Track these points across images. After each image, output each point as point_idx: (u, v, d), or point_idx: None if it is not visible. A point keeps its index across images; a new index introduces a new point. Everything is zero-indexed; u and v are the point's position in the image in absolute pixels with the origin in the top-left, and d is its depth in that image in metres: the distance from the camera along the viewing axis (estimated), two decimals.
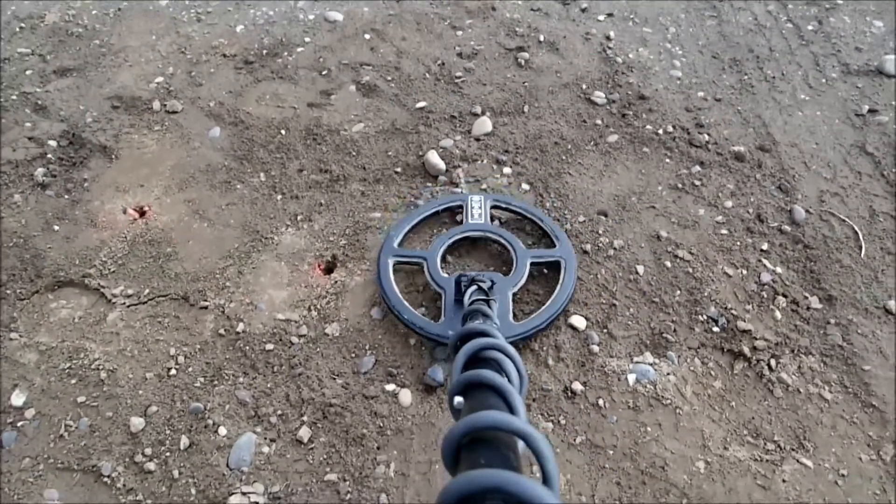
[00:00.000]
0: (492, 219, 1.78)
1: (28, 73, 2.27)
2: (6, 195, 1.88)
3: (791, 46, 2.36)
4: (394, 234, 1.72)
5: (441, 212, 1.82)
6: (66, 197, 1.88)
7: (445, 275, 1.64)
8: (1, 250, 1.75)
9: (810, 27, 2.44)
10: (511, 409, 0.68)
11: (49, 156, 1.98)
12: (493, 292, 1.47)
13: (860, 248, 1.74)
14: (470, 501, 0.49)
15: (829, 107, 2.14)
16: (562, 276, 1.64)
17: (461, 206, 1.80)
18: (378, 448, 1.40)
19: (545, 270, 1.69)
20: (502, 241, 1.72)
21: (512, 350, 0.82)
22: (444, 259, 1.70)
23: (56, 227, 1.81)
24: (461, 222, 1.78)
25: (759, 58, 2.32)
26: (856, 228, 1.78)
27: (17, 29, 2.45)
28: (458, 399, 0.71)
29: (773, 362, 1.52)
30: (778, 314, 1.61)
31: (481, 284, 1.45)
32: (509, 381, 0.76)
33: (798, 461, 1.38)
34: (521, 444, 0.60)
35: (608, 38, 2.41)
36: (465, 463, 0.57)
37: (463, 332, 0.92)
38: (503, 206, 1.81)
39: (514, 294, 1.61)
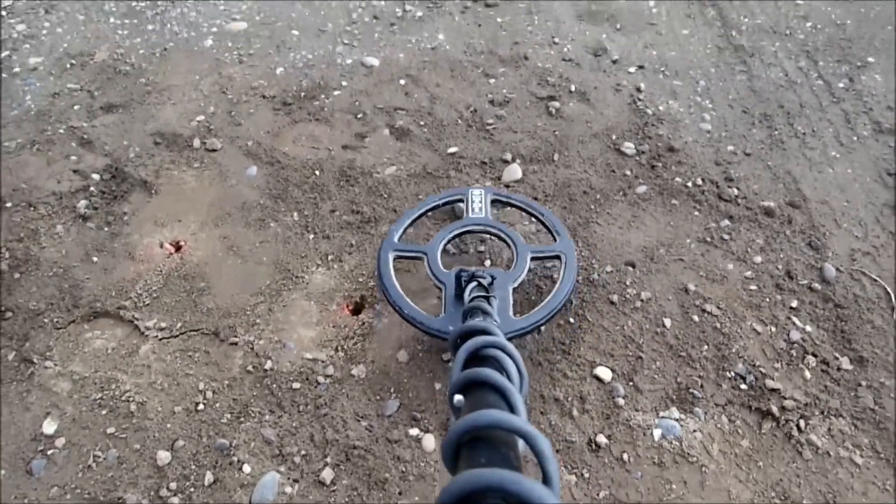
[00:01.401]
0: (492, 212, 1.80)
1: (76, 108, 2.36)
2: (49, 225, 1.94)
3: (822, 103, 2.38)
4: (394, 229, 1.73)
5: (442, 206, 1.83)
6: (107, 229, 1.94)
7: (446, 269, 1.62)
8: (41, 279, 1.80)
9: (841, 84, 2.45)
10: (511, 408, 0.68)
11: (92, 189, 2.05)
12: (494, 288, 1.47)
13: (892, 309, 1.72)
14: (470, 501, 0.49)
15: (860, 165, 2.14)
16: (562, 271, 1.63)
17: (462, 201, 1.81)
18: (400, 493, 1.40)
19: (546, 265, 1.69)
20: (502, 235, 1.72)
21: (512, 348, 0.82)
22: (444, 253, 1.69)
23: (95, 259, 1.86)
24: (461, 216, 1.79)
25: (789, 113, 2.33)
26: (888, 289, 1.76)
27: (68, 65, 2.56)
28: (458, 397, 0.71)
29: (802, 423, 1.50)
30: (807, 374, 1.59)
31: (481, 280, 1.44)
32: (509, 379, 0.76)
33: None
34: (521, 444, 0.60)
35: (638, 89, 2.44)
36: (466, 462, 0.58)
37: (463, 329, 0.92)
38: (503, 199, 1.81)
39: (515, 289, 1.59)
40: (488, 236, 1.83)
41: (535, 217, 1.79)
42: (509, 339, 0.84)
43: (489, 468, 0.51)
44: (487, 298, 1.36)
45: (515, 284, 1.60)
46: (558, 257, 1.67)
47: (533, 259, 1.66)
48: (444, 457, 0.60)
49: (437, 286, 1.62)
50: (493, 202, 1.81)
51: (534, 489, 0.48)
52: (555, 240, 1.72)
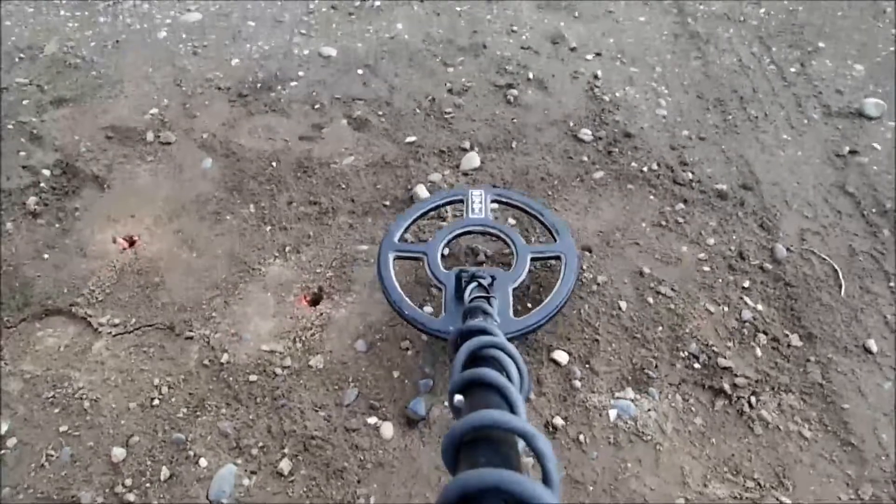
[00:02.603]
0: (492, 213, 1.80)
1: (25, 102, 2.30)
2: None
3: (774, 88, 2.42)
4: (394, 229, 1.71)
5: (441, 206, 1.82)
6: (58, 226, 1.90)
7: (446, 270, 1.61)
8: None
9: (793, 69, 2.50)
10: (511, 408, 0.68)
11: (42, 185, 2.00)
12: (494, 288, 1.47)
13: (840, 286, 1.77)
14: (470, 500, 0.49)
15: (810, 147, 2.18)
16: (562, 272, 1.63)
17: (461, 201, 1.81)
18: (358, 482, 1.40)
19: (546, 265, 1.68)
20: (502, 236, 1.72)
21: (512, 348, 0.82)
22: (443, 254, 1.68)
23: (46, 256, 1.82)
24: (461, 217, 1.78)
25: (742, 98, 2.37)
26: (836, 267, 1.81)
27: (17, 59, 2.49)
28: (459, 397, 0.71)
29: (753, 399, 1.53)
30: (758, 351, 1.63)
31: (481, 280, 1.44)
32: (509, 379, 0.76)
33: (777, 499, 1.39)
34: (521, 444, 0.60)
35: (596, 76, 2.46)
36: (466, 462, 0.57)
37: (463, 329, 0.92)
38: (503, 200, 1.80)
39: (515, 289, 1.59)
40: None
41: (535, 217, 1.78)
42: (510, 340, 0.84)
43: (489, 468, 0.51)
44: (487, 299, 1.35)
45: (515, 285, 1.60)
46: (558, 257, 1.67)
47: (533, 259, 1.66)
48: (444, 457, 0.60)
49: (437, 287, 1.62)
50: (493, 202, 1.81)
51: (534, 489, 0.48)
52: (555, 240, 1.72)
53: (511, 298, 1.56)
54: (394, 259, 1.66)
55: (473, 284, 1.43)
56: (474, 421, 0.59)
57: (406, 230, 1.74)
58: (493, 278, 1.51)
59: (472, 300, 1.34)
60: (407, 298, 1.57)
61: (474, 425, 0.59)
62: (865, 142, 2.19)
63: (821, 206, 1.98)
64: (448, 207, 1.92)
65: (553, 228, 1.73)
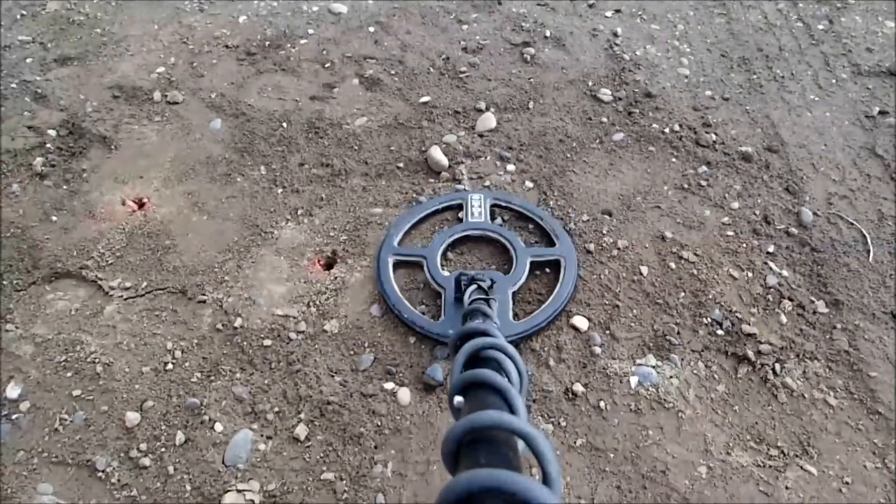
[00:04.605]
0: (492, 216, 1.77)
1: (28, 61, 2.24)
2: (4, 185, 1.86)
3: (801, 46, 2.33)
4: (394, 233, 1.70)
5: (441, 210, 1.80)
6: (65, 187, 1.86)
7: (445, 273, 1.62)
8: None
9: (821, 26, 2.40)
10: (511, 409, 0.67)
11: (48, 145, 1.96)
12: (493, 291, 1.46)
13: (868, 252, 1.72)
14: (470, 501, 0.48)
15: (838, 108, 2.11)
16: (562, 275, 1.62)
17: (461, 205, 1.79)
18: (376, 447, 1.38)
19: (545, 269, 1.67)
20: (502, 239, 1.70)
21: (512, 349, 0.82)
22: (444, 257, 1.68)
23: (54, 218, 1.79)
24: (461, 220, 1.76)
25: (768, 57, 2.28)
26: (864, 232, 1.76)
27: (19, 16, 2.43)
28: (459, 398, 0.71)
29: (777, 367, 1.50)
30: (783, 318, 1.59)
31: (481, 283, 1.44)
32: (509, 380, 0.75)
33: (802, 468, 1.36)
34: (521, 444, 0.59)
35: (615, 34, 2.38)
36: (466, 462, 0.57)
37: (463, 331, 0.91)
38: (503, 204, 1.79)
39: (515, 293, 1.59)
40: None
41: (534, 221, 1.76)
42: (509, 343, 0.83)
43: (489, 468, 0.49)
44: (487, 301, 1.35)
45: (515, 288, 1.59)
46: (558, 261, 1.65)
47: (532, 263, 1.64)
48: (444, 458, 0.60)
49: (436, 290, 1.61)
50: (493, 206, 1.78)
51: (534, 489, 0.47)
52: (554, 244, 1.69)
53: (511, 301, 1.56)
54: (393, 263, 1.65)
55: (473, 287, 1.43)
56: (474, 421, 0.58)
57: (406, 234, 1.72)
58: (493, 281, 1.51)
59: (471, 302, 1.33)
60: (406, 301, 1.57)
61: (474, 426, 0.58)
62: None
63: (849, 169, 1.92)
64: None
65: (552, 232, 1.71)
